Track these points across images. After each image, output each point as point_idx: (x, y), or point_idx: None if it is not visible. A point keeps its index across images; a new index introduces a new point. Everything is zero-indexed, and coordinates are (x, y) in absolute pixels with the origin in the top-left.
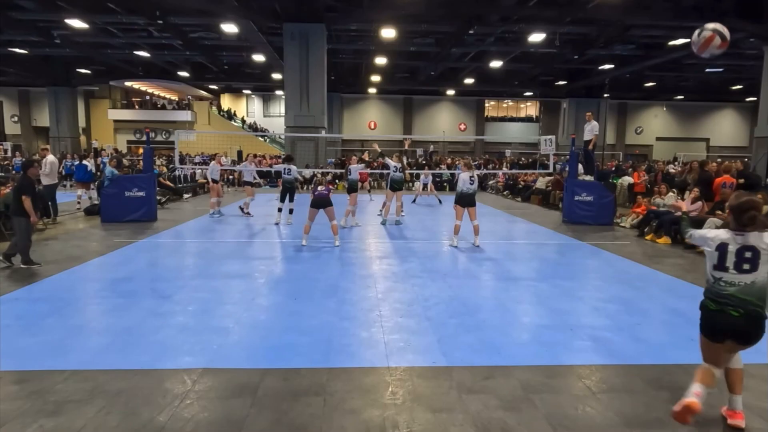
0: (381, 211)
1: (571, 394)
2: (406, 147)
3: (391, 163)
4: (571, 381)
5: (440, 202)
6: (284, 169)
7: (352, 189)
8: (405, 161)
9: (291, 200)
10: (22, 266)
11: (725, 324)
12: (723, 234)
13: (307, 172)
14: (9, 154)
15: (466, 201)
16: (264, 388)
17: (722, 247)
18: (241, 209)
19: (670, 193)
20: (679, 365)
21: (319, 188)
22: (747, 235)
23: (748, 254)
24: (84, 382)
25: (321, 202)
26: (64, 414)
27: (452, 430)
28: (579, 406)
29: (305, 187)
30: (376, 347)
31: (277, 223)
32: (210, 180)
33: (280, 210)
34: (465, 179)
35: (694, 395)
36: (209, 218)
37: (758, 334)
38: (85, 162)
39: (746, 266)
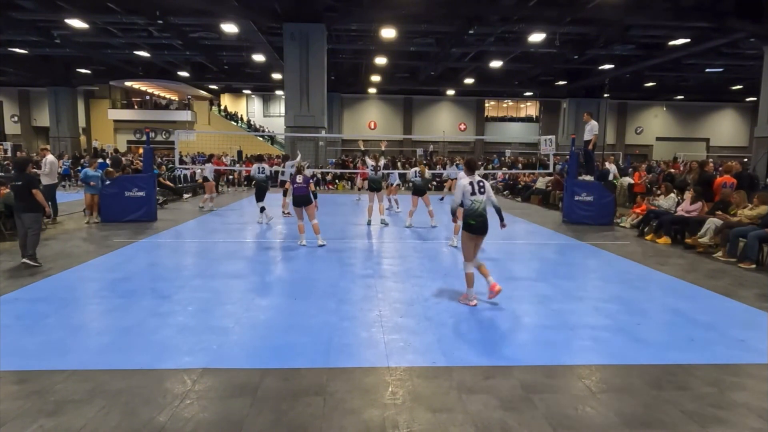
0: (390, 208)
1: (571, 394)
2: (383, 148)
3: (369, 162)
4: (571, 381)
5: (441, 199)
6: (258, 168)
7: (378, 188)
8: (382, 162)
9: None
10: (25, 260)
11: None
12: None
13: (308, 172)
14: (9, 154)
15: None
16: (264, 388)
17: None
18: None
19: (671, 194)
20: (679, 365)
21: (297, 179)
22: None
23: None
24: (84, 382)
25: (300, 200)
26: (64, 414)
27: (452, 430)
28: (579, 406)
29: None
30: (376, 347)
31: (259, 222)
32: (203, 178)
33: (262, 210)
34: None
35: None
36: (198, 210)
37: None
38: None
39: None
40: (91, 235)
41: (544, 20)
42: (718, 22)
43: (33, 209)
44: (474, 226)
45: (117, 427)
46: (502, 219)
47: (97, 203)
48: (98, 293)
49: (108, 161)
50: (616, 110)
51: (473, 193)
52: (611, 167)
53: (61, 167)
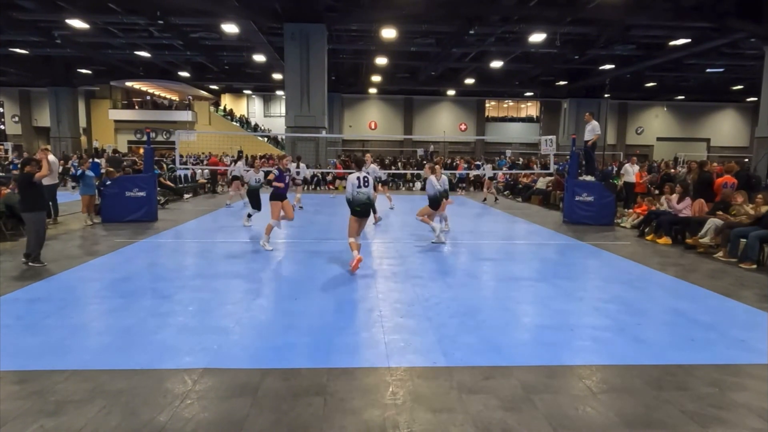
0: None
1: (571, 395)
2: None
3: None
4: (572, 381)
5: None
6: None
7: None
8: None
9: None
10: (26, 261)
11: None
12: None
13: (308, 172)
14: (10, 154)
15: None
16: (264, 388)
17: None
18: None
19: (674, 195)
20: (680, 365)
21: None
22: None
23: None
24: (84, 382)
25: (277, 196)
26: (65, 414)
27: (452, 430)
28: (579, 406)
29: (305, 188)
30: (376, 347)
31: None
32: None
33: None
34: (433, 182)
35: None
36: (225, 209)
37: None
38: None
39: None
40: (91, 235)
41: (545, 20)
42: (719, 22)
43: (28, 208)
44: (359, 211)
45: (117, 427)
46: (375, 212)
47: (94, 203)
48: (99, 293)
49: (101, 161)
50: (616, 110)
51: (359, 186)
52: (634, 168)
53: (71, 169)
